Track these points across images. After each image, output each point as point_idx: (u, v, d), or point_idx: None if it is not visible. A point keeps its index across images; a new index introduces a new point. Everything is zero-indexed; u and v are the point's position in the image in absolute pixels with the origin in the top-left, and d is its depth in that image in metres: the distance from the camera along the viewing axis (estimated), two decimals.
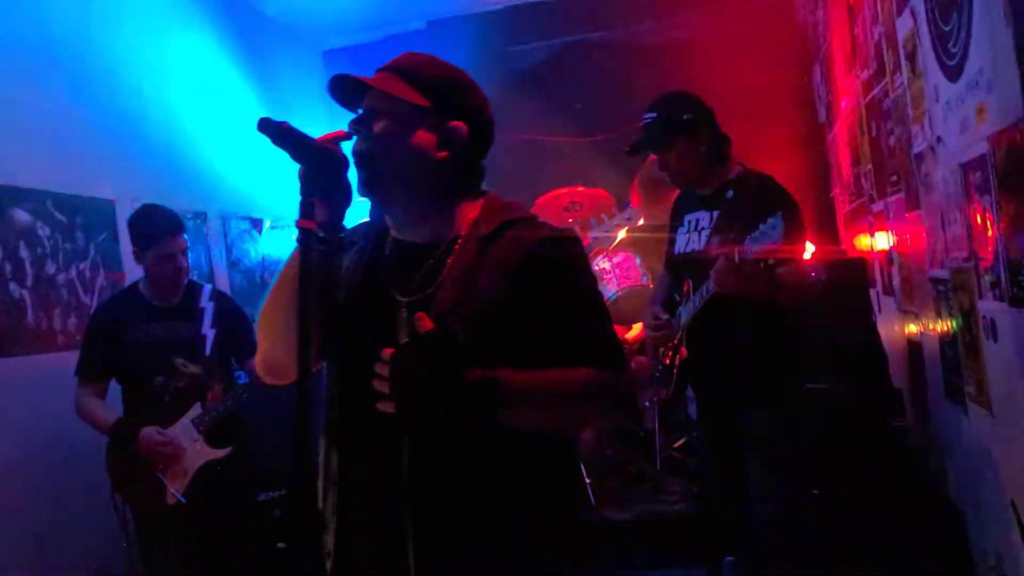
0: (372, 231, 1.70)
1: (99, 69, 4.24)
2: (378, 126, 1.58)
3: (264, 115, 1.50)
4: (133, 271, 4.17)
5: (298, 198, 1.49)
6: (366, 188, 1.58)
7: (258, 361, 1.66)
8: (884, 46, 3.73)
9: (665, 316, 3.26)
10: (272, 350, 1.63)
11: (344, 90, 1.61)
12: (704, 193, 3.18)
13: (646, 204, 5.12)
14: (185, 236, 3.43)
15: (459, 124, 1.62)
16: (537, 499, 1.57)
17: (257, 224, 5.57)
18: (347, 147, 1.61)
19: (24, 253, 3.62)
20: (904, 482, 3.65)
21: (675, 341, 3.23)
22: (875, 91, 4.04)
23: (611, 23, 6.50)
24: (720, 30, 6.10)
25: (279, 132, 1.48)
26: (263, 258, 5.61)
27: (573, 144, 6.00)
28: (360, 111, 1.62)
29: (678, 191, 3.43)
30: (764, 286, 2.81)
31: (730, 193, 3.09)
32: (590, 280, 1.64)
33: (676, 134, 3.11)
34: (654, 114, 3.14)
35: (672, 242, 3.32)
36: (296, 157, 1.50)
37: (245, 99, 5.46)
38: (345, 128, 1.61)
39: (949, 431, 3.43)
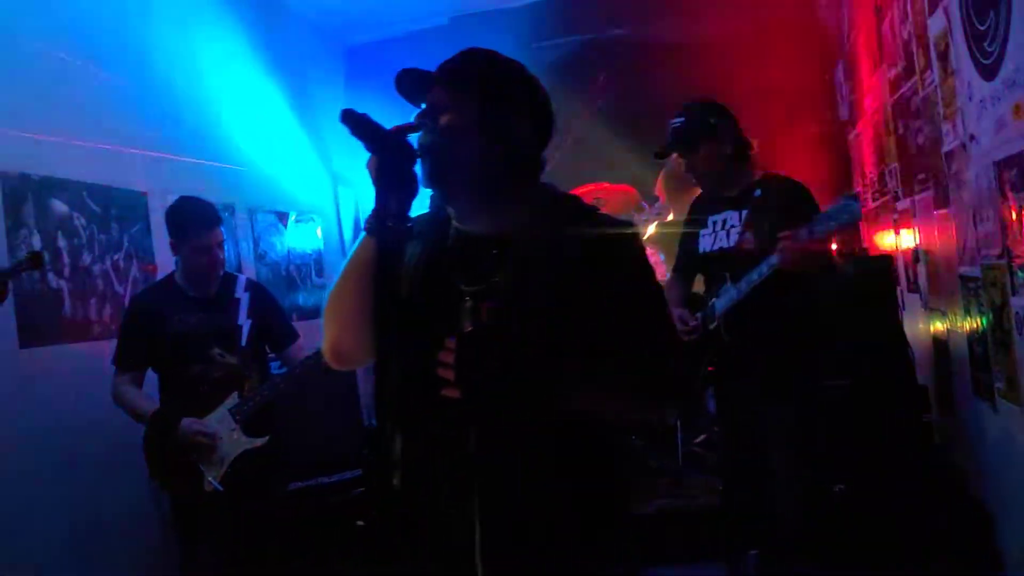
0: (434, 222, 1.73)
1: (133, 62, 4.29)
2: (443, 119, 1.61)
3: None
4: (164, 263, 4.24)
5: (369, 190, 1.54)
6: (431, 180, 1.61)
7: (326, 347, 1.71)
8: (914, 45, 3.75)
9: (696, 318, 3.32)
10: (341, 337, 1.68)
11: (409, 84, 1.65)
12: (729, 195, 3.30)
13: (670, 201, 5.16)
14: (222, 228, 3.47)
15: (522, 118, 1.65)
16: (597, 485, 1.61)
17: (283, 218, 5.62)
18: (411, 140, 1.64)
19: (62, 243, 3.67)
20: (930, 478, 3.68)
21: (705, 335, 3.28)
22: (903, 89, 4.06)
23: (633, 20, 6.52)
24: (742, 28, 6.12)
25: (359, 123, 1.52)
26: (288, 251, 5.65)
27: (596, 140, 6.02)
28: (424, 105, 1.66)
29: (699, 190, 3.52)
30: (822, 263, 3.00)
31: (758, 193, 3.23)
32: (649, 272, 1.67)
33: (701, 138, 3.25)
34: (682, 119, 3.28)
35: (692, 243, 3.41)
36: (372, 148, 1.54)
37: (270, 93, 5.50)
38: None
39: (976, 428, 3.46)
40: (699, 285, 3.53)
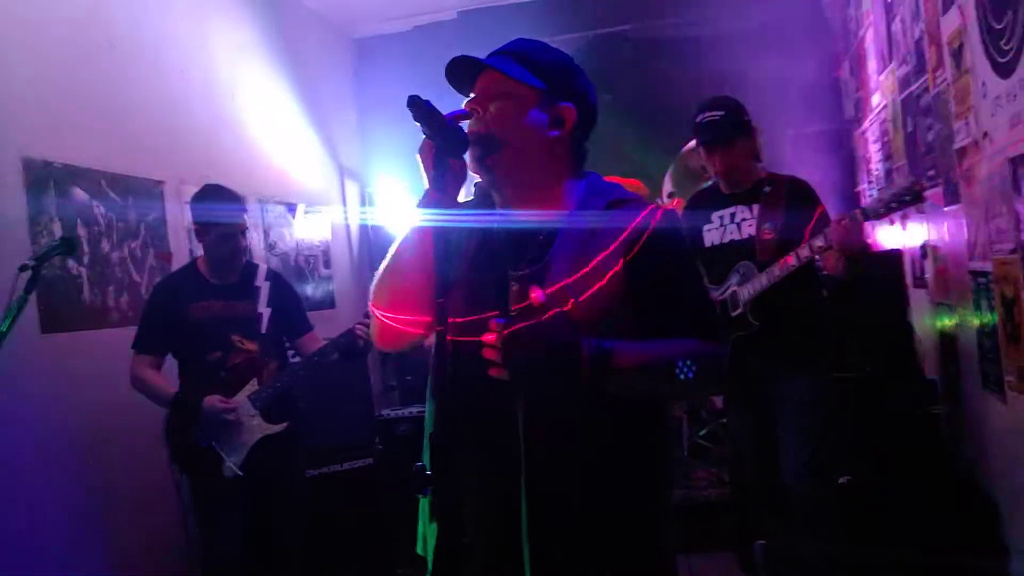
0: (479, 208, 1.77)
1: (150, 53, 4.32)
2: (494, 106, 1.66)
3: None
4: (179, 251, 4.28)
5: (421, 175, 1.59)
6: (482, 165, 1.66)
7: (377, 328, 1.76)
8: (926, 42, 3.80)
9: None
10: (392, 319, 1.73)
11: (460, 71, 1.70)
12: (736, 191, 3.42)
13: (678, 195, 5.19)
14: (246, 217, 3.52)
15: (569, 106, 1.70)
16: (644, 465, 1.66)
17: (292, 209, 5.65)
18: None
19: (81, 231, 3.69)
20: (938, 470, 3.73)
21: (726, 319, 3.34)
22: (913, 87, 4.11)
23: (641, 15, 6.56)
24: (748, 25, 6.17)
25: (424, 109, 1.56)
26: (297, 243, 5.68)
27: (606, 134, 6.05)
28: (473, 94, 1.71)
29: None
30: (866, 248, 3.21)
31: (767, 189, 3.36)
32: (692, 256, 1.73)
33: (740, 134, 3.37)
34: (721, 112, 3.36)
35: (695, 238, 3.48)
36: (432, 134, 1.59)
37: (279, 85, 5.53)
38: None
39: (985, 421, 3.51)
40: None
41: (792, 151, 5.84)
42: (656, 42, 6.47)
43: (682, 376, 1.53)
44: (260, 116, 5.21)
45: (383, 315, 1.74)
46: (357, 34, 7.00)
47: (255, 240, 5.14)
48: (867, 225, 3.11)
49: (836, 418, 3.30)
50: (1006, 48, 2.78)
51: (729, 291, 3.31)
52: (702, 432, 5.29)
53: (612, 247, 1.60)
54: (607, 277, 1.58)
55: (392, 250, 1.71)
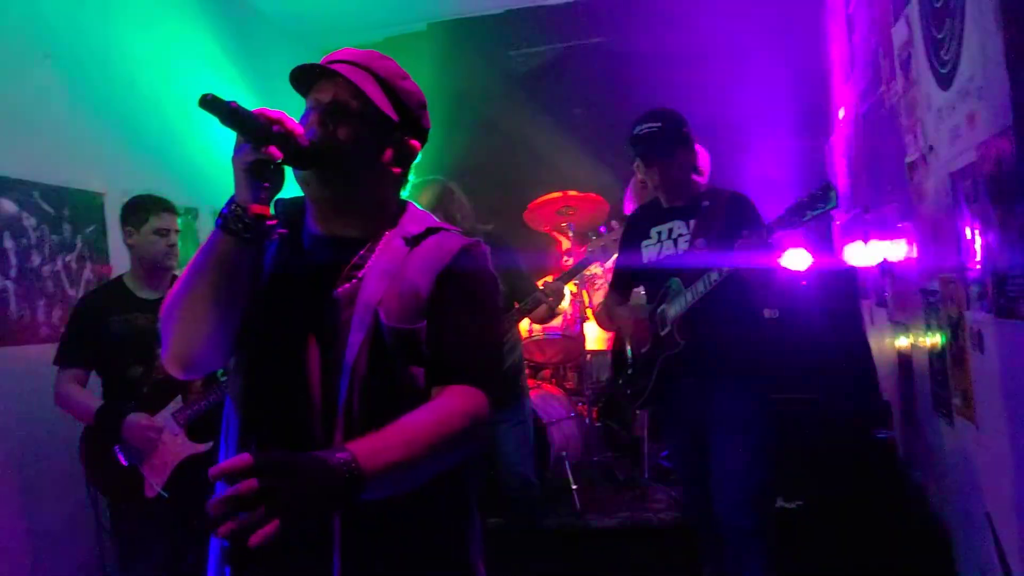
0: (284, 223, 1.64)
1: (93, 60, 4.22)
2: (348, 127, 1.57)
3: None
4: (119, 265, 4.16)
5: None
6: (322, 179, 1.56)
7: (169, 354, 1.55)
8: (880, 55, 3.71)
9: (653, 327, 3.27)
10: (190, 341, 1.53)
11: (309, 72, 1.61)
12: (675, 205, 3.31)
13: None
14: (178, 219, 3.47)
15: (416, 144, 1.68)
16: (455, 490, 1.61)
17: None
18: None
19: (8, 243, 3.59)
20: (890, 495, 3.62)
21: (656, 339, 3.23)
22: (871, 100, 4.02)
23: (610, 30, 6.50)
24: (718, 41, 6.10)
25: (229, 112, 1.42)
26: None
27: (569, 149, 5.97)
28: (319, 98, 1.60)
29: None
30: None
31: (705, 203, 3.25)
32: (491, 298, 1.67)
33: (678, 146, 3.25)
34: (658, 124, 3.23)
35: (633, 255, 3.39)
36: (254, 139, 1.45)
37: (241, 96, 5.42)
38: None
39: (935, 444, 3.40)
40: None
41: (763, 165, 5.74)
42: (624, 56, 6.39)
43: (440, 455, 1.43)
44: (215, 126, 5.10)
45: (178, 339, 1.53)
46: (325, 44, 6.91)
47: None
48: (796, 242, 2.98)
49: (772, 442, 3.14)
50: (946, 58, 2.68)
51: (658, 309, 3.19)
52: (663, 453, 5.16)
53: (426, 270, 1.58)
54: (419, 299, 1.55)
55: (190, 267, 1.53)
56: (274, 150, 1.45)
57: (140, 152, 4.45)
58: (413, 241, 1.62)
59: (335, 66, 1.58)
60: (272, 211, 1.52)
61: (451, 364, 1.52)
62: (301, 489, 1.19)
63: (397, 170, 1.66)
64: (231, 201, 1.48)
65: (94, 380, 3.39)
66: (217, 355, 1.54)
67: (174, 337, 1.54)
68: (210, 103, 1.39)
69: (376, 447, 1.32)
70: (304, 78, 1.63)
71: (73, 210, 3.97)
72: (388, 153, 1.63)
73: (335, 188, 1.58)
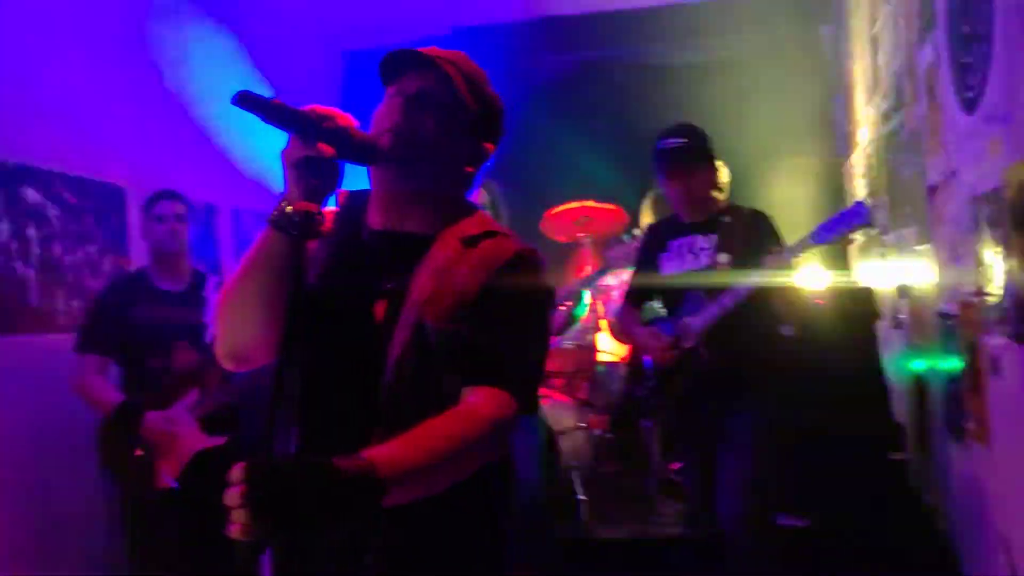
0: (346, 217, 1.66)
1: (120, 55, 4.25)
2: (434, 118, 1.56)
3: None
4: (138, 258, 4.19)
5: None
6: (400, 170, 1.55)
7: (221, 348, 1.59)
8: (904, 77, 3.71)
9: (669, 337, 3.27)
10: (240, 335, 1.56)
11: (399, 61, 1.59)
12: (695, 220, 3.32)
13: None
14: (184, 206, 3.53)
15: (490, 146, 1.67)
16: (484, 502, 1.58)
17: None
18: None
19: (31, 232, 3.62)
20: (900, 516, 3.60)
21: (681, 353, 3.23)
22: (894, 122, 4.02)
23: (632, 42, 6.50)
24: (742, 57, 6.11)
25: (272, 109, 1.39)
26: None
27: (588, 159, 5.98)
28: (404, 87, 1.58)
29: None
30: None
31: (726, 219, 3.28)
32: (541, 304, 1.65)
33: (701, 162, 3.27)
34: (684, 139, 3.25)
35: (652, 267, 3.40)
36: (300, 136, 1.42)
37: (262, 94, 5.45)
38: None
39: (949, 468, 3.39)
40: None
41: (782, 183, 5.74)
42: (646, 69, 6.41)
43: (461, 465, 1.43)
44: (239, 124, 5.13)
45: (231, 334, 1.57)
46: (348, 46, 6.95)
47: (226, 250, 5.06)
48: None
49: (778, 461, 3.15)
50: (972, 83, 2.69)
51: (681, 322, 3.21)
52: (674, 466, 5.15)
53: (479, 272, 1.54)
54: (468, 300, 1.51)
55: (242, 261, 1.54)
56: (324, 146, 1.42)
57: (163, 147, 4.49)
58: (470, 242, 1.58)
59: (428, 57, 1.57)
60: (332, 205, 1.52)
61: (480, 365, 1.48)
62: (290, 497, 1.19)
63: (470, 169, 1.65)
64: (280, 197, 1.47)
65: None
66: (268, 349, 1.51)
67: (225, 332, 1.57)
68: (247, 100, 1.36)
69: (396, 454, 1.32)
70: (391, 67, 1.60)
71: (95, 202, 4.01)
72: (464, 147, 1.62)
73: (407, 182, 1.57)
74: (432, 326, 1.48)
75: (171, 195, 3.54)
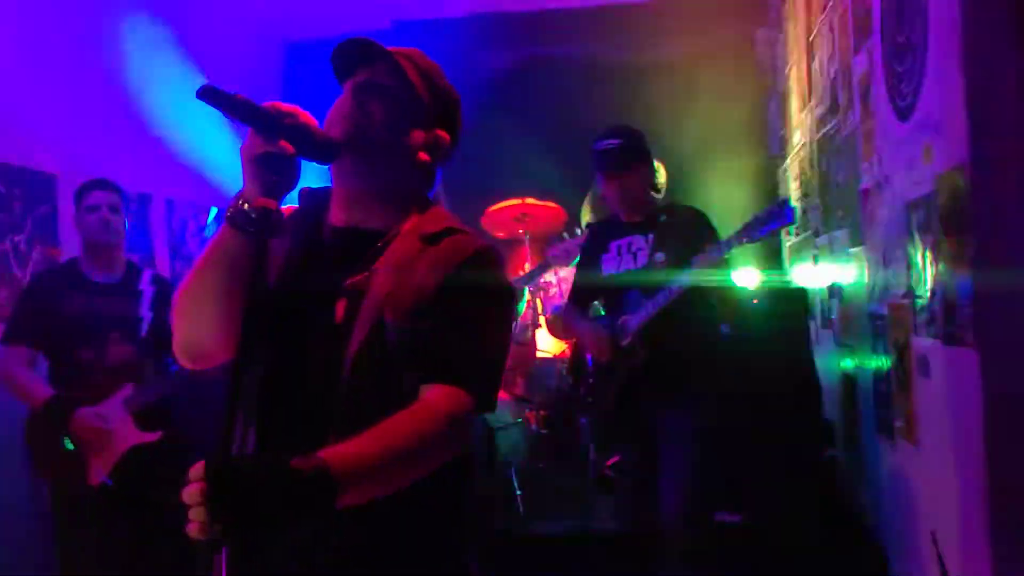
0: (305, 214, 1.65)
1: (52, 41, 4.14)
2: (381, 104, 1.55)
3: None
4: (69, 248, 4.09)
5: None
6: (355, 167, 1.55)
7: (179, 345, 1.57)
8: (840, 84, 3.80)
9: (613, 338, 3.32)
10: (198, 333, 1.54)
11: (349, 54, 1.58)
12: (634, 220, 3.38)
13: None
14: (117, 196, 3.42)
15: (445, 136, 1.65)
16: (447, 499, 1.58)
17: (203, 211, 5.48)
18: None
19: None
20: (829, 513, 3.70)
21: (618, 350, 3.27)
22: (828, 127, 4.12)
23: (574, 41, 6.55)
24: (680, 58, 6.19)
25: (236, 105, 1.36)
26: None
27: (528, 156, 6.00)
28: (356, 80, 1.58)
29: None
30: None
31: (663, 218, 3.34)
32: (500, 300, 1.64)
33: (637, 161, 3.32)
34: (618, 140, 3.30)
35: (593, 268, 3.46)
36: (262, 132, 1.40)
37: (196, 83, 5.35)
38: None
39: (877, 466, 3.49)
40: None
41: (718, 183, 5.83)
42: (586, 67, 6.45)
43: (417, 464, 1.42)
44: (174, 113, 5.04)
45: (188, 332, 1.55)
46: (288, 37, 6.87)
47: (159, 241, 4.96)
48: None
49: (713, 457, 3.23)
50: (905, 91, 2.77)
51: (619, 320, 3.25)
52: (609, 462, 5.20)
53: (438, 269, 1.53)
54: (427, 297, 1.50)
55: (200, 259, 1.51)
56: (285, 143, 1.40)
57: (96, 135, 4.38)
58: (431, 239, 1.57)
59: (379, 48, 1.56)
60: (282, 203, 1.48)
61: (437, 363, 1.48)
62: (250, 496, 1.19)
63: (426, 157, 1.62)
64: (237, 194, 1.45)
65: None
66: (226, 347, 1.48)
67: (183, 330, 1.55)
68: (211, 94, 1.34)
69: (350, 453, 1.31)
70: (343, 63, 1.60)
71: (24, 190, 3.90)
72: (419, 136, 1.60)
73: (364, 176, 1.57)
74: (391, 324, 1.47)
75: (104, 184, 3.43)
